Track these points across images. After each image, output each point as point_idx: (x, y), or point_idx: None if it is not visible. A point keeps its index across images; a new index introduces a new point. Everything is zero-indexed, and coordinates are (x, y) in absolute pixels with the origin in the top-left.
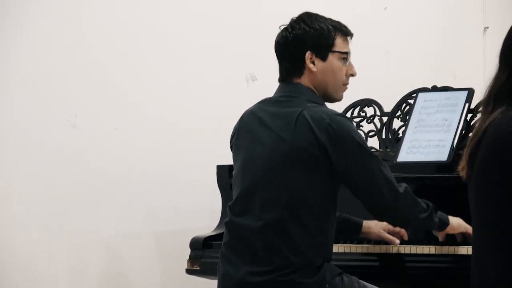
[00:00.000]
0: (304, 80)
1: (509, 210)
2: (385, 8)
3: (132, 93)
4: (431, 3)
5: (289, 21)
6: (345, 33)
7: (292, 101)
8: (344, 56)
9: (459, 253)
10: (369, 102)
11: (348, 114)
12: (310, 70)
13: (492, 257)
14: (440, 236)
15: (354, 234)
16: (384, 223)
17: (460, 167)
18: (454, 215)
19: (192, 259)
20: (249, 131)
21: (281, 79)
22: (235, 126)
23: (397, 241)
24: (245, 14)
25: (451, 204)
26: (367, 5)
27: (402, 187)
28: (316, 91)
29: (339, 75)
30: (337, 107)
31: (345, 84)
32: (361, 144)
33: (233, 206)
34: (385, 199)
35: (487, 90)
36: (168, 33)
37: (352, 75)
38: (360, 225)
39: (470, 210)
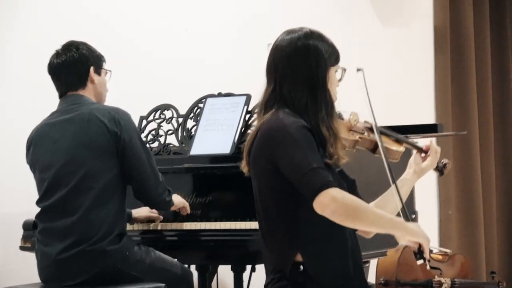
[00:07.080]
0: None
1: (276, 190)
2: (185, 29)
3: None
4: (224, 25)
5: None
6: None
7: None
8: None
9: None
10: (167, 107)
11: (151, 117)
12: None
13: (271, 235)
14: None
15: (128, 221)
16: (146, 208)
17: (242, 165)
18: (233, 195)
19: (24, 238)
20: (45, 137)
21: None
22: (28, 137)
23: (161, 217)
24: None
25: (231, 187)
26: (170, 27)
27: (160, 176)
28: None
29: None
30: (141, 111)
31: None
32: (138, 133)
33: (42, 197)
34: (150, 186)
35: (260, 99)
36: None
37: None
38: (130, 214)
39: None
